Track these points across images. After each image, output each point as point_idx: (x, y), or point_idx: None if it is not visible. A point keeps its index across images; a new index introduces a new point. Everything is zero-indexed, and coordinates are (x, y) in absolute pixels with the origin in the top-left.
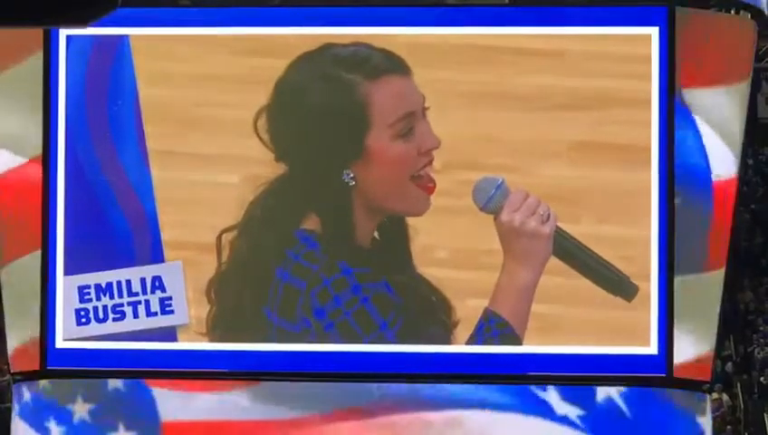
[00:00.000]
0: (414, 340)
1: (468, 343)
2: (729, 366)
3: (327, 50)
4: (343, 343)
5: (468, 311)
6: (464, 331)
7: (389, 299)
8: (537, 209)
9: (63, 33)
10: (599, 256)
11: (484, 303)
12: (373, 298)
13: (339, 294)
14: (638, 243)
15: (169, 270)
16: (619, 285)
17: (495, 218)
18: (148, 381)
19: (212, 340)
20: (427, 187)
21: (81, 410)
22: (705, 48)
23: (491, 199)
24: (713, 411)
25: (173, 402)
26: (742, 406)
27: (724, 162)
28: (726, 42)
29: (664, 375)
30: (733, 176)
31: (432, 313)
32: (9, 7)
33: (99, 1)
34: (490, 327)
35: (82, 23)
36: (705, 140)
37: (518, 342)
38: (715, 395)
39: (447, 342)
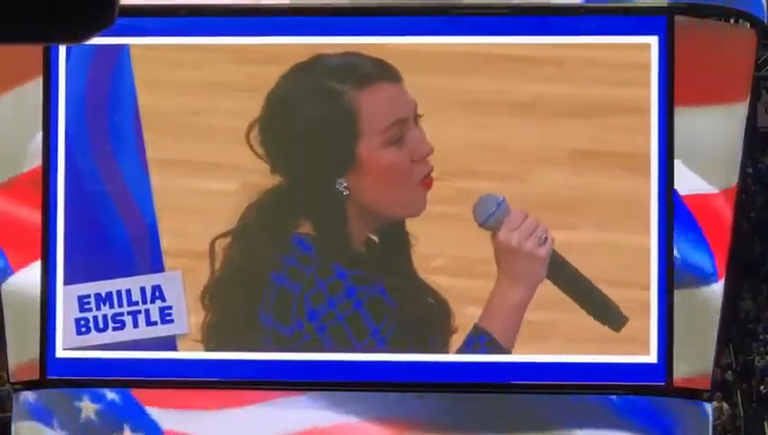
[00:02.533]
0: (405, 348)
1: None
2: (729, 375)
3: (318, 60)
4: (335, 346)
5: (466, 319)
6: (459, 340)
7: (384, 304)
8: (536, 231)
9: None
10: (592, 283)
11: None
12: (367, 303)
13: (333, 297)
14: (636, 251)
15: (169, 279)
16: (608, 314)
17: (493, 236)
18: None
19: (207, 346)
20: (425, 182)
21: (80, 418)
22: (704, 57)
23: (491, 216)
24: (713, 420)
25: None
26: (741, 414)
27: (723, 171)
28: (726, 51)
29: (663, 384)
30: (732, 185)
31: (428, 320)
32: (3, 24)
33: (93, 18)
34: (478, 344)
35: (76, 40)
36: (705, 148)
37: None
38: (714, 404)
39: (442, 350)
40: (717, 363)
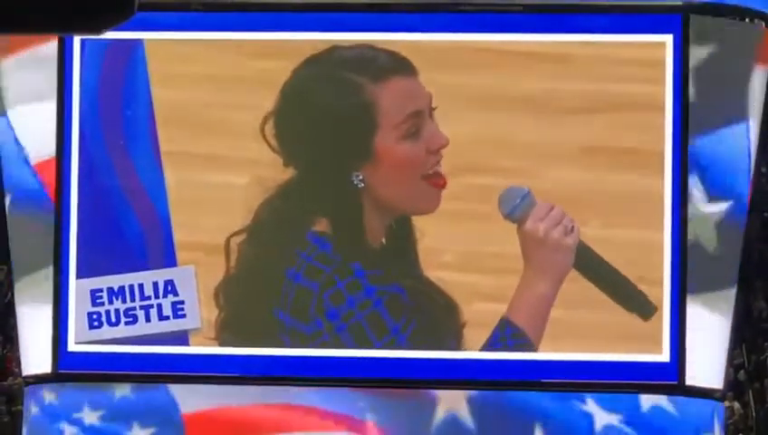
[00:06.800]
0: (425, 344)
1: (483, 350)
2: (741, 374)
3: (332, 52)
4: (355, 345)
5: (475, 314)
6: (472, 334)
7: (402, 302)
8: (562, 221)
9: (78, 37)
10: (619, 272)
11: (491, 306)
12: (386, 301)
13: (352, 295)
14: (646, 247)
15: (182, 274)
16: (638, 303)
17: (519, 228)
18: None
19: (221, 344)
20: (438, 182)
21: (92, 413)
22: (718, 56)
23: (516, 208)
24: (724, 420)
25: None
26: (753, 414)
27: (735, 170)
28: (740, 50)
29: (676, 383)
30: (746, 183)
31: (441, 316)
32: (25, 14)
33: (115, 8)
34: (505, 337)
35: (97, 30)
36: (715, 148)
37: (532, 351)
38: (726, 403)
39: (458, 345)
40: (730, 363)
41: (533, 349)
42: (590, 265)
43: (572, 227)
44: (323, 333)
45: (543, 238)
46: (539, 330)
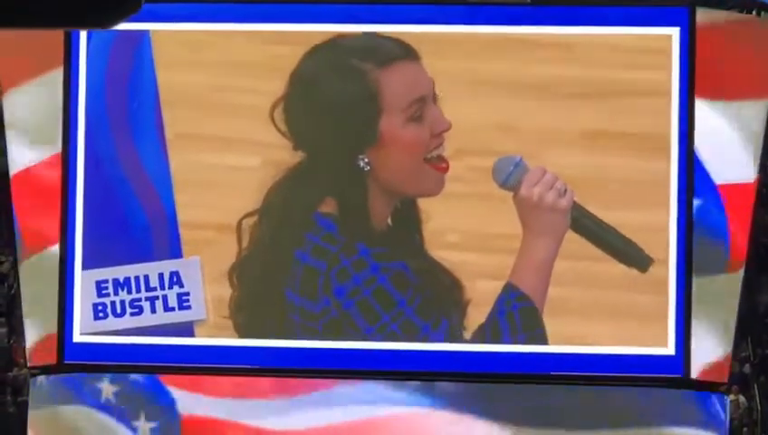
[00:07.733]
0: (432, 317)
1: (489, 317)
2: (747, 368)
3: (339, 40)
4: (363, 319)
5: (479, 293)
6: (475, 311)
7: (407, 279)
8: (555, 184)
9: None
10: (614, 229)
11: (495, 285)
12: (391, 277)
13: (358, 273)
14: (650, 232)
15: (187, 265)
16: (635, 257)
17: (514, 195)
18: (165, 381)
19: (235, 323)
20: (441, 166)
21: (96, 403)
22: (725, 50)
23: (510, 176)
24: (729, 413)
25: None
26: (759, 408)
27: (744, 164)
28: (747, 44)
29: (681, 376)
30: (753, 177)
31: (446, 293)
32: (30, 9)
33: (121, 3)
34: (510, 301)
35: (104, 25)
36: (726, 142)
37: (537, 315)
38: (731, 397)
39: (461, 321)
40: (735, 357)
41: (537, 311)
42: (587, 226)
43: (565, 189)
44: (332, 309)
45: (538, 202)
46: (542, 292)
